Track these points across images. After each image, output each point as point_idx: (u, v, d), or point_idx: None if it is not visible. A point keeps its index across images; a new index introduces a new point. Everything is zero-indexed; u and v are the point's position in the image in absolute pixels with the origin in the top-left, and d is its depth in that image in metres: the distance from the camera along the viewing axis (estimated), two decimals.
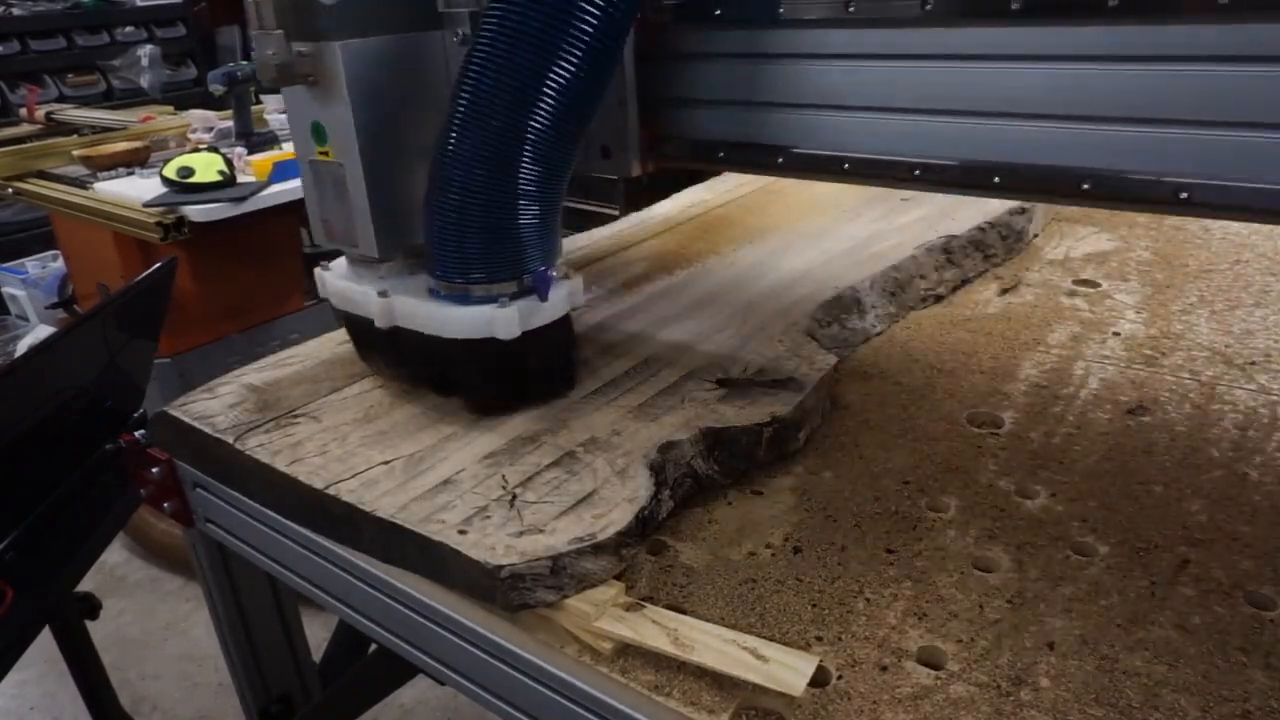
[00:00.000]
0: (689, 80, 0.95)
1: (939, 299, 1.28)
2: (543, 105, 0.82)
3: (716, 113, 0.94)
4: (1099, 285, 1.28)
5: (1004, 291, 1.29)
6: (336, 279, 1.00)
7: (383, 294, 0.93)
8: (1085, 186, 0.74)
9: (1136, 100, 0.70)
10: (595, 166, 1.01)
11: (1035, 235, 1.49)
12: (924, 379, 1.06)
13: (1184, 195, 0.69)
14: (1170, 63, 0.67)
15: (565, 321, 0.95)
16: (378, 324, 0.94)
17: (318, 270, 1.04)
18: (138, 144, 2.77)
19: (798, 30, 0.86)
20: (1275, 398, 0.97)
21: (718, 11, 0.89)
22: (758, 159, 0.93)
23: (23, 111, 3.65)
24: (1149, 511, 0.80)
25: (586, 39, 0.81)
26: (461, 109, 0.84)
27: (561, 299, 0.92)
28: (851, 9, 0.81)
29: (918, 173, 0.83)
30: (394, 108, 0.93)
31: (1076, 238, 1.48)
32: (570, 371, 1.00)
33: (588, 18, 0.80)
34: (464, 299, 0.89)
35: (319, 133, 0.94)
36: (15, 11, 4.90)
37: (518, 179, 0.84)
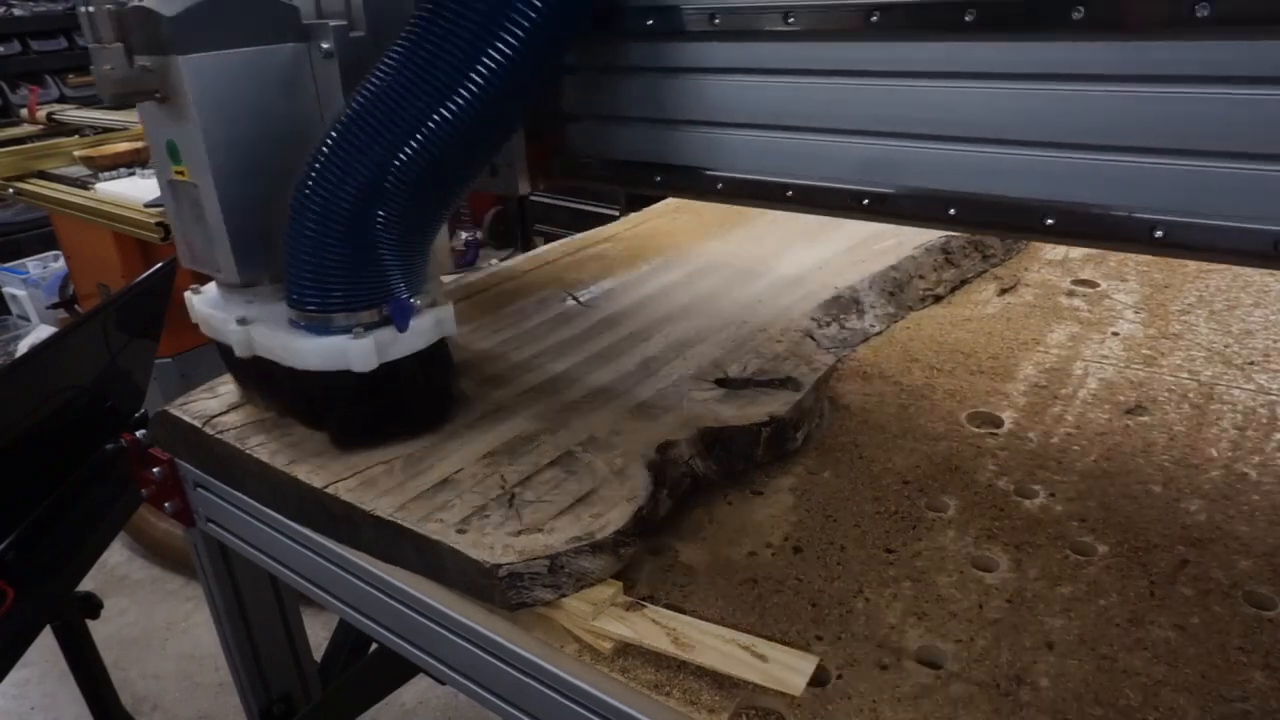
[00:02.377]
0: (596, 96, 0.90)
1: (938, 299, 1.28)
2: (413, 144, 0.79)
3: (632, 130, 0.89)
4: (1098, 285, 1.29)
5: (1003, 291, 1.29)
6: (203, 304, 0.95)
7: (241, 321, 0.89)
8: (1049, 221, 0.66)
9: (1105, 125, 0.62)
10: (483, 184, 0.98)
11: None
12: (924, 379, 1.06)
13: (1159, 234, 0.61)
14: (1142, 84, 0.59)
15: (436, 351, 0.90)
16: (237, 353, 0.90)
17: (186, 294, 0.98)
18: (139, 144, 2.77)
19: (730, 43, 0.79)
20: (1274, 397, 0.97)
21: (650, 22, 0.82)
22: (681, 182, 0.87)
23: (24, 112, 3.65)
24: (1148, 511, 0.80)
25: (484, 79, 0.79)
26: (333, 136, 0.81)
27: (426, 328, 0.87)
28: (791, 20, 0.74)
29: (866, 202, 0.76)
30: (253, 125, 0.87)
31: None
32: (443, 404, 0.95)
33: (495, 55, 0.78)
34: (322, 329, 0.84)
35: (173, 151, 0.89)
36: (16, 12, 4.90)
37: (378, 212, 0.81)
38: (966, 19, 0.64)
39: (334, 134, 0.81)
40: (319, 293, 0.83)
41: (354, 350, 0.83)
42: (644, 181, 0.91)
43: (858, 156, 0.76)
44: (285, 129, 0.90)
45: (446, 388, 0.96)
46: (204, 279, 0.99)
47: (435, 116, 0.79)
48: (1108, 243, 0.66)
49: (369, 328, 0.84)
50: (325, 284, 0.83)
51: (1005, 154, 0.67)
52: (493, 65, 0.78)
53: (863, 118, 0.74)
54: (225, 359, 0.97)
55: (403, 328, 0.85)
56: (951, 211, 0.72)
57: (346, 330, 0.84)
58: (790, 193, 0.81)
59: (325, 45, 0.88)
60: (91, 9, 0.81)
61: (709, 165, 0.85)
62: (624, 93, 0.88)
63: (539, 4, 0.78)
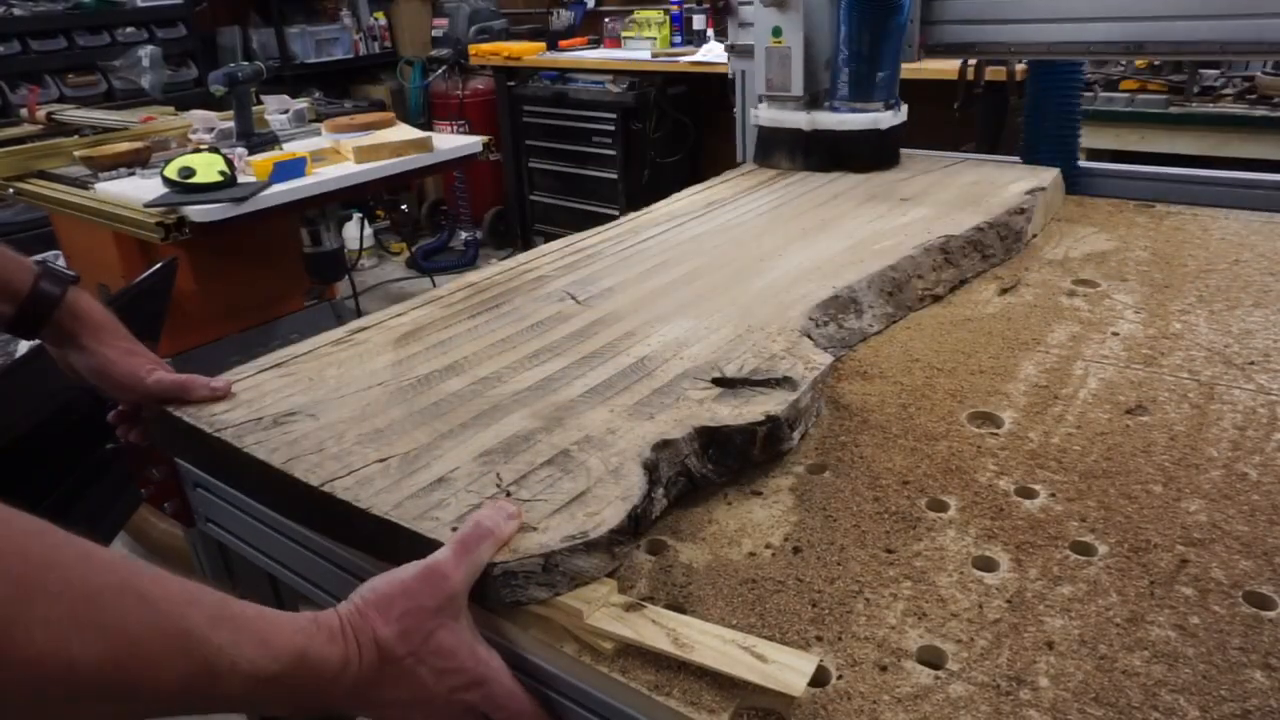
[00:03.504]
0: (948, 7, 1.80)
1: (937, 299, 1.28)
2: (889, 24, 1.68)
3: (960, 27, 1.79)
4: (1098, 285, 1.28)
5: (1003, 291, 1.29)
6: (767, 111, 1.85)
7: (807, 112, 1.80)
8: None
9: None
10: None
11: (1034, 235, 1.49)
12: (924, 379, 1.06)
13: None
14: None
15: (901, 126, 1.80)
16: (804, 129, 1.78)
17: (753, 109, 1.89)
18: (139, 144, 2.77)
19: None
20: (1274, 397, 0.97)
21: None
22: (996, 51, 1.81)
23: (24, 112, 3.65)
24: (1148, 511, 0.80)
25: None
26: (854, 18, 1.68)
27: (904, 111, 1.80)
28: None
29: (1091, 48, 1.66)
30: (815, 17, 1.78)
31: (1075, 238, 1.48)
32: (898, 155, 1.83)
33: None
34: (856, 111, 1.75)
35: (777, 31, 1.79)
36: (16, 11, 4.90)
37: (881, 54, 1.70)
38: None
39: (855, 25, 1.69)
40: (863, 93, 1.75)
41: (882, 119, 1.75)
42: (971, 53, 1.91)
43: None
44: (826, 19, 1.80)
45: (898, 149, 1.85)
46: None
47: (891, 13, 1.67)
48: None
49: (886, 109, 1.75)
50: (866, 89, 1.74)
51: None
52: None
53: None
54: (769, 142, 1.86)
55: (898, 109, 1.78)
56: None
57: (874, 111, 1.75)
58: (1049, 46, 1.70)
59: None
60: None
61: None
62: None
63: None
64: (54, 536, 0.56)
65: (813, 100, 1.82)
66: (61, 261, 3.72)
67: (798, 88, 1.79)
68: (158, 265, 1.51)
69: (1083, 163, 1.78)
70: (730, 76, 2.03)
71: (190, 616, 0.58)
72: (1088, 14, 1.62)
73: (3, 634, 0.49)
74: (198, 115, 3.10)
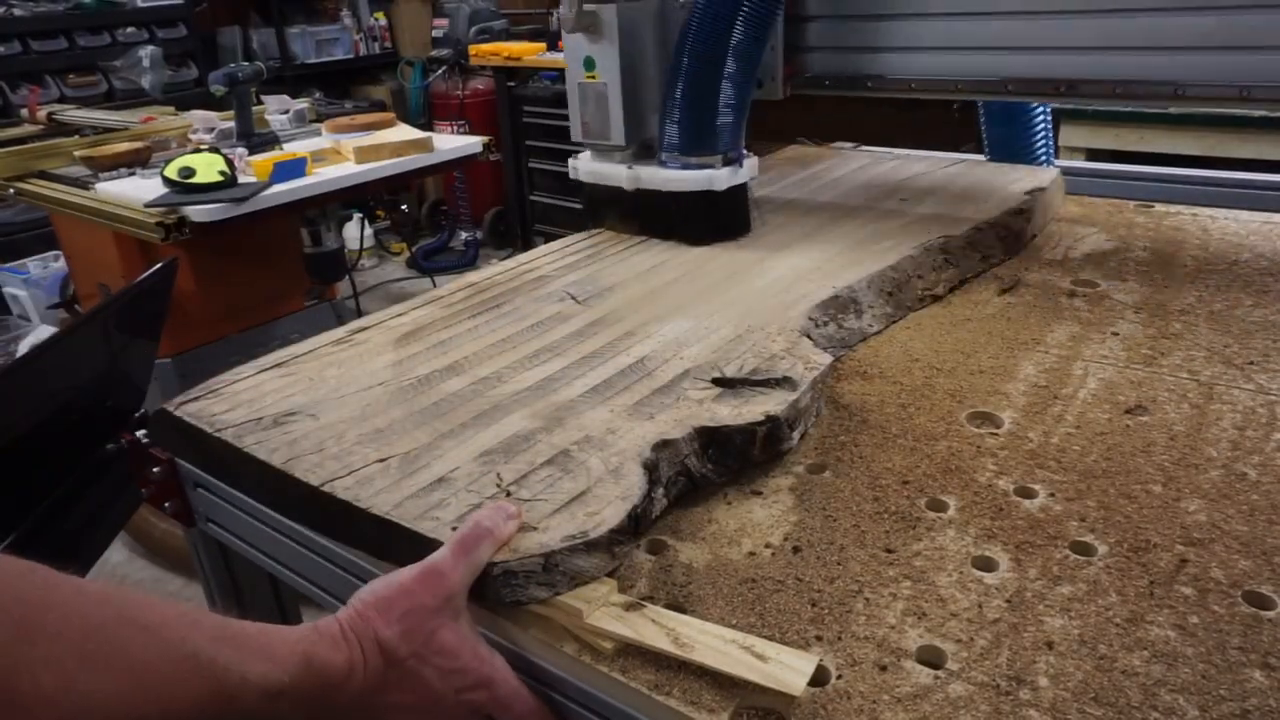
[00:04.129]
0: (811, 33, 1.53)
1: (937, 299, 1.28)
2: (732, 52, 1.32)
3: (827, 55, 1.53)
4: (1098, 285, 1.28)
5: (1003, 291, 1.29)
6: (587, 164, 1.49)
7: (629, 167, 1.43)
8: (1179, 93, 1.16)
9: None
10: (755, 94, 1.44)
11: (1034, 235, 1.49)
12: (924, 379, 1.06)
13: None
14: None
15: (745, 186, 1.44)
16: (626, 188, 1.44)
17: (571, 160, 1.51)
18: (139, 144, 2.77)
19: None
20: (1274, 397, 0.97)
21: None
22: (856, 86, 1.52)
23: (24, 112, 3.65)
24: (1147, 511, 0.80)
25: (755, 19, 1.32)
26: (687, 49, 1.33)
27: (750, 167, 1.44)
28: None
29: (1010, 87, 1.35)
30: (636, 47, 1.41)
31: (1075, 238, 1.48)
32: (747, 220, 1.47)
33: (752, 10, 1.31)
34: (692, 166, 1.38)
35: (589, 63, 1.41)
36: (16, 12, 4.90)
37: (719, 92, 1.34)
38: None
39: (687, 56, 1.33)
40: (696, 144, 1.37)
41: (716, 176, 1.38)
42: (859, 86, 1.52)
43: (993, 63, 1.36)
44: (655, 52, 1.44)
45: (749, 210, 1.48)
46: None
47: (736, 39, 1.31)
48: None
49: (723, 164, 1.39)
50: (699, 140, 1.37)
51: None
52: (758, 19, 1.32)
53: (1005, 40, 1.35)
54: (595, 199, 1.51)
55: (741, 165, 1.41)
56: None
57: (706, 167, 1.38)
58: (959, 86, 1.42)
59: (682, 0, 1.42)
60: None
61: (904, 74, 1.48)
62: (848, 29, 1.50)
63: None
64: (45, 575, 0.55)
65: (643, 150, 1.46)
66: (61, 262, 3.72)
67: (618, 135, 1.43)
68: (158, 265, 1.50)
69: (1083, 163, 1.78)
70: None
71: (193, 639, 0.58)
72: (1006, 43, 1.35)
73: (8, 679, 0.48)
74: (198, 115, 3.10)
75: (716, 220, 1.41)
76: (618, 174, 1.43)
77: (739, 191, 1.42)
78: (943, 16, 1.40)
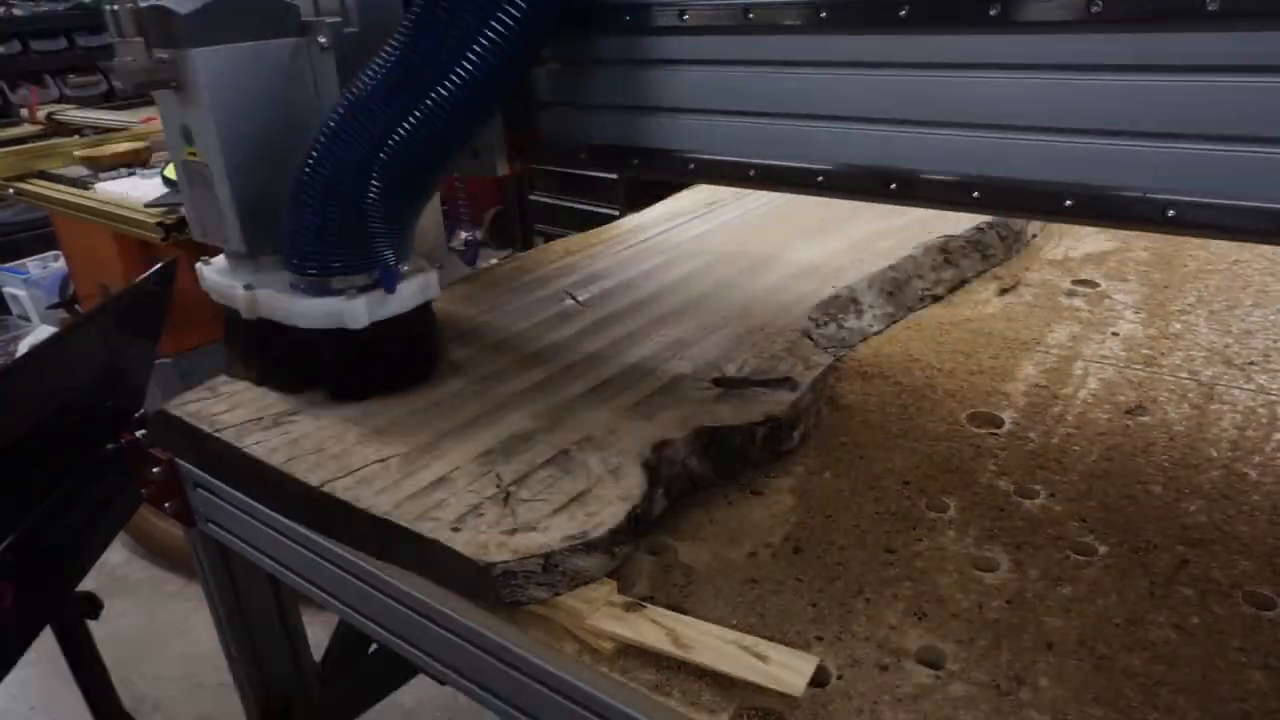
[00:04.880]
0: (570, 85, 0.97)
1: (937, 299, 1.28)
2: (401, 130, 0.88)
3: (603, 117, 0.95)
4: (1098, 285, 1.28)
5: (1003, 291, 1.29)
6: (212, 273, 1.06)
7: (248, 287, 0.98)
8: (1068, 203, 0.69)
9: (1118, 112, 0.65)
10: (465, 167, 1.06)
11: (1034, 235, 1.49)
12: (924, 379, 1.06)
13: (1171, 214, 0.65)
14: (1154, 73, 0.62)
15: (422, 312, 1.00)
16: (244, 315, 0.99)
17: (198, 265, 1.08)
18: (139, 144, 2.76)
19: (697, 37, 0.84)
20: (1274, 398, 0.97)
21: (627, 18, 0.87)
22: (652, 163, 0.94)
23: (24, 112, 3.65)
24: (1148, 511, 0.80)
25: (466, 73, 0.87)
26: (331, 123, 0.90)
27: (412, 292, 0.97)
28: (750, 16, 0.78)
29: (820, 180, 0.81)
30: (257, 111, 0.96)
31: (1075, 238, 1.48)
32: (428, 362, 1.04)
33: (476, 52, 0.87)
34: (320, 291, 0.94)
35: (187, 134, 0.99)
36: (16, 12, 4.90)
37: (369, 189, 0.90)
38: (990, 13, 0.66)
39: (331, 121, 0.90)
40: (317, 259, 0.93)
41: (348, 310, 0.93)
42: (620, 165, 0.96)
43: (821, 139, 0.81)
44: (286, 115, 0.98)
45: (432, 349, 1.05)
46: (213, 252, 1.07)
47: (421, 106, 0.88)
48: (1123, 222, 0.69)
49: (362, 290, 0.94)
50: (322, 251, 0.93)
51: (1021, 141, 0.70)
52: (474, 61, 0.87)
53: (821, 104, 0.80)
54: (228, 326, 1.07)
55: (390, 290, 0.95)
56: (975, 195, 0.75)
57: (341, 293, 0.93)
58: (753, 172, 0.87)
59: (322, 40, 0.97)
60: (115, 7, 0.90)
61: (679, 148, 0.91)
62: (598, 83, 0.94)
63: (517, 8, 0.85)
64: None
65: (281, 260, 1.00)
66: (61, 262, 3.72)
67: (234, 239, 1.01)
68: (158, 266, 1.50)
69: None
70: None
71: None
72: (825, 110, 0.80)
73: None
74: None
75: (361, 371, 0.98)
76: (235, 293, 0.99)
77: (396, 327, 0.97)
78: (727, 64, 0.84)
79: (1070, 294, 1.26)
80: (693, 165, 0.91)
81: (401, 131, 0.88)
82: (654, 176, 0.98)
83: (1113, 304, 1.22)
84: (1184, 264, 1.34)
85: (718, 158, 0.88)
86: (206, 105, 0.93)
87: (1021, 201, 0.73)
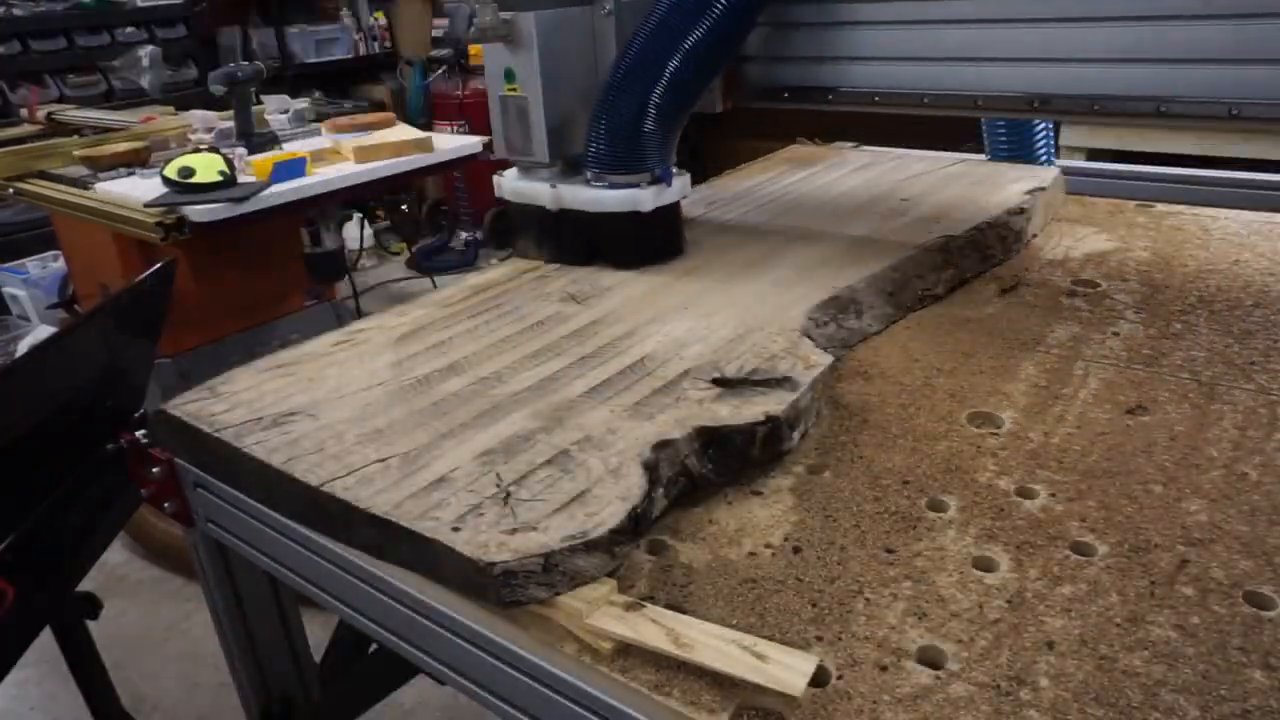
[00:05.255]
0: (776, 42, 1.39)
1: (937, 299, 1.28)
2: (669, 69, 1.25)
3: (801, 66, 1.38)
4: (1098, 285, 1.28)
5: (1003, 291, 1.29)
6: (511, 181, 1.40)
7: (553, 185, 1.34)
8: (1162, 109, 1.08)
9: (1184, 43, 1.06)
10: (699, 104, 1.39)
11: (1034, 235, 1.49)
12: (924, 379, 1.06)
13: (1234, 112, 1.00)
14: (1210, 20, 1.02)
15: (677, 205, 1.37)
16: (549, 208, 1.34)
17: (496, 176, 1.42)
18: (139, 144, 2.77)
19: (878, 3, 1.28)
20: (1275, 398, 0.97)
21: None
22: (843, 97, 1.36)
23: (24, 112, 3.65)
24: (1148, 511, 0.80)
25: (705, 30, 1.24)
26: (625, 63, 1.28)
27: (679, 186, 1.34)
28: None
29: (1036, 105, 1.18)
30: (559, 59, 1.33)
31: (1076, 238, 1.48)
32: (679, 243, 1.40)
33: (707, 22, 1.24)
34: (618, 185, 1.30)
35: (509, 75, 1.34)
36: (16, 11, 4.90)
37: (648, 115, 1.27)
38: None
39: (621, 68, 1.28)
40: (618, 164, 1.29)
41: (641, 197, 1.29)
42: (816, 100, 1.38)
43: (972, 74, 1.23)
44: (581, 62, 1.37)
45: (681, 232, 1.41)
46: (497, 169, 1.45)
47: (678, 57, 1.25)
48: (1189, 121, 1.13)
49: (648, 184, 1.30)
50: (623, 158, 1.29)
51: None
52: (716, 25, 1.24)
53: (976, 50, 1.22)
54: (521, 220, 1.40)
55: (668, 184, 1.32)
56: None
57: (635, 186, 1.29)
58: (926, 99, 1.28)
59: (605, 8, 1.35)
60: None
61: (866, 86, 1.34)
62: (798, 40, 1.37)
63: None
64: None
65: (570, 167, 1.37)
66: (60, 262, 3.72)
67: (541, 151, 1.35)
68: (157, 266, 1.50)
69: (1083, 163, 1.77)
70: None
71: None
72: (973, 53, 1.23)
73: None
74: (197, 115, 3.10)
75: (645, 244, 1.34)
76: (540, 192, 1.34)
77: (670, 211, 1.34)
78: (901, 25, 1.27)
79: (1070, 294, 1.26)
80: (876, 98, 1.32)
81: (668, 74, 1.25)
82: (845, 108, 1.36)
83: (1113, 304, 1.22)
84: (1184, 264, 1.34)
85: (897, 90, 1.30)
86: (534, 52, 1.29)
87: (1120, 108, 1.13)
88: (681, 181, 1.34)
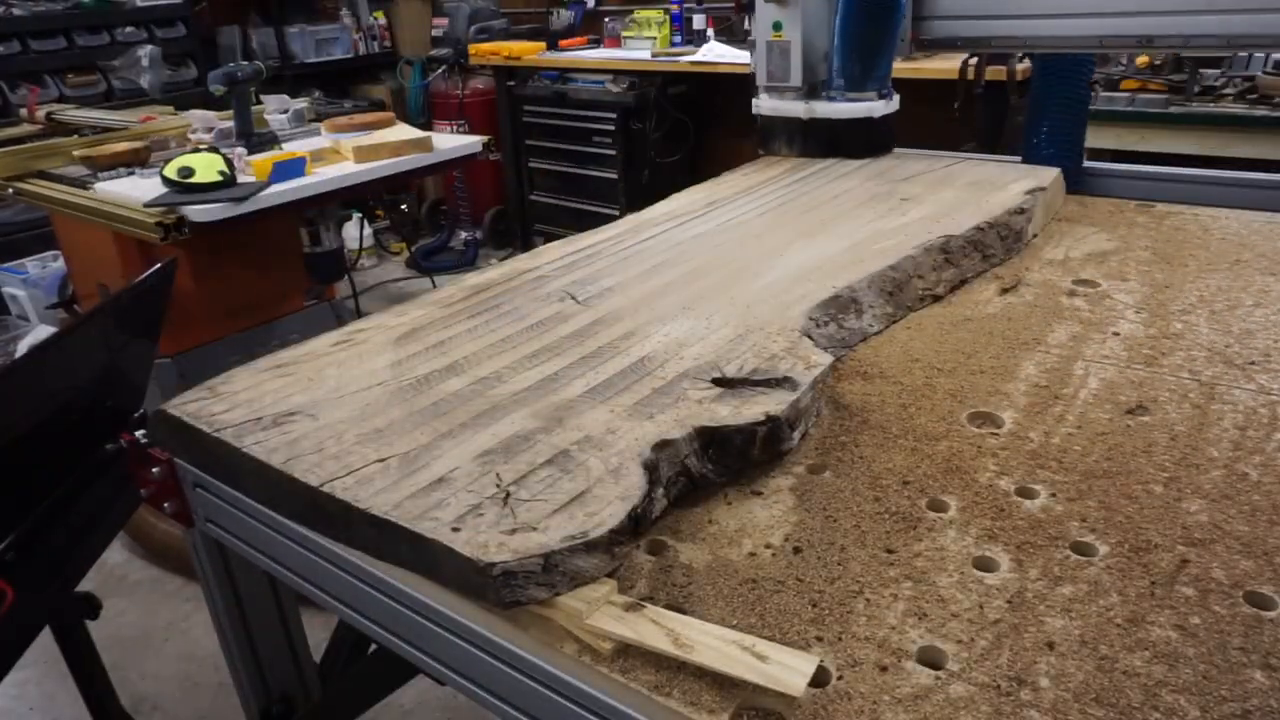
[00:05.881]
0: (948, 3, 1.83)
1: (937, 299, 1.28)
2: (889, 10, 1.77)
3: (971, 21, 1.81)
4: (1099, 285, 1.28)
5: (1004, 291, 1.29)
6: (767, 102, 1.96)
7: (808, 102, 1.91)
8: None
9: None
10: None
11: (1034, 235, 1.49)
12: (924, 379, 1.06)
13: None
14: None
15: (894, 115, 1.91)
16: (802, 118, 1.90)
17: (756, 100, 1.98)
18: (138, 144, 2.76)
19: None
20: (1275, 398, 0.97)
21: None
22: (1005, 44, 1.81)
23: (23, 111, 3.65)
24: (1148, 511, 0.80)
25: None
26: (849, 19, 1.78)
27: (896, 101, 1.90)
28: None
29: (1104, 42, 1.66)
30: (813, 10, 1.87)
31: (1076, 238, 1.48)
32: (893, 142, 1.94)
33: None
34: (855, 100, 1.86)
35: (777, 25, 1.90)
36: (15, 11, 4.90)
37: (882, 43, 1.80)
38: None
39: (848, 19, 1.78)
40: (857, 83, 1.84)
41: (875, 108, 1.86)
42: (984, 48, 1.89)
43: (1093, 24, 1.66)
44: (825, 18, 1.87)
45: (894, 135, 1.94)
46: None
47: (898, 10, 1.77)
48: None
49: (877, 99, 1.85)
50: (859, 79, 1.84)
51: None
52: None
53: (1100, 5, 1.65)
54: (773, 130, 1.96)
55: (890, 98, 1.88)
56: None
57: (868, 100, 1.85)
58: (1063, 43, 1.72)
59: None
60: None
61: (1022, 35, 1.77)
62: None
63: None
64: None
65: (810, 90, 1.93)
66: (60, 262, 3.72)
67: (796, 79, 1.91)
68: (157, 266, 1.50)
69: (1085, 162, 1.78)
70: (752, 70, 2.11)
71: None
72: (1095, 8, 1.67)
73: None
74: (197, 115, 3.09)
75: (873, 141, 1.90)
76: (795, 109, 1.91)
77: (889, 119, 1.90)
78: None
79: (1071, 294, 1.26)
80: (1027, 40, 1.76)
81: (892, 24, 1.77)
82: (1004, 50, 1.89)
83: (1113, 304, 1.22)
84: (1185, 264, 1.34)
85: (1046, 35, 1.72)
86: (798, 10, 1.85)
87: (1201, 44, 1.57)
88: (896, 98, 1.90)
